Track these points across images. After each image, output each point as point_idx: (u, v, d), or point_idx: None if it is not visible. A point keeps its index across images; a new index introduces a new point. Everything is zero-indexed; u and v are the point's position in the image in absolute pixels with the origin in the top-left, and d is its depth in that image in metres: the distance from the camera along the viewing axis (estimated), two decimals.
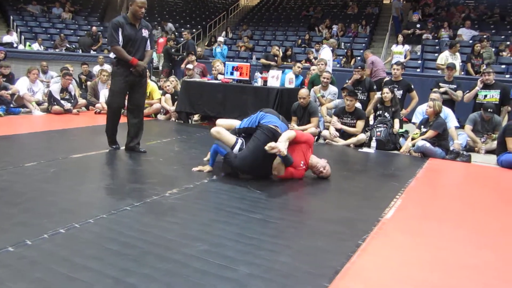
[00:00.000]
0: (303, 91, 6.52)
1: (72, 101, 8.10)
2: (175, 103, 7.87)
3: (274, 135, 3.93)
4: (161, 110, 8.10)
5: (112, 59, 4.84)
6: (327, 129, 6.56)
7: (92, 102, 8.56)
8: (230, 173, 4.06)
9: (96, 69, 10.45)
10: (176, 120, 7.81)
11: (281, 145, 3.75)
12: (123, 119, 4.97)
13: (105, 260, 2.28)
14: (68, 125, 6.67)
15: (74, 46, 14.13)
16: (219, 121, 4.53)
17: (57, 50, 13.63)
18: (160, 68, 12.50)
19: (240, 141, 4.05)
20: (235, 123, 4.37)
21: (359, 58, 11.73)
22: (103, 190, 3.55)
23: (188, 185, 3.74)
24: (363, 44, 13.67)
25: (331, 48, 9.38)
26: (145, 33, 4.76)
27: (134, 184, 3.80)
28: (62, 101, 7.90)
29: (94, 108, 8.37)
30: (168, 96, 8.08)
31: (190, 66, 8.95)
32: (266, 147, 3.71)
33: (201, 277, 2.16)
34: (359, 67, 7.18)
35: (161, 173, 4.13)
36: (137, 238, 2.60)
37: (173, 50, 12.27)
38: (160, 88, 8.57)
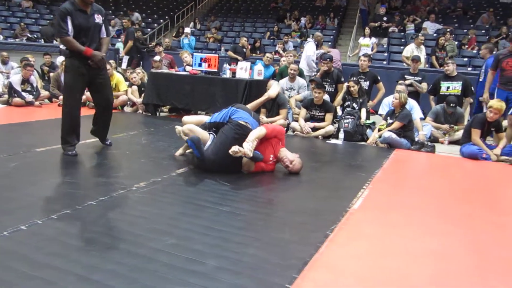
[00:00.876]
0: (272, 83, 6.51)
1: (34, 93, 7.83)
2: (142, 95, 7.72)
3: (243, 131, 3.89)
4: (128, 102, 7.94)
5: (65, 51, 4.34)
6: (296, 121, 6.58)
7: (55, 94, 8.29)
8: (199, 166, 4.01)
9: (59, 59, 10.07)
10: (144, 113, 7.67)
11: (246, 146, 3.69)
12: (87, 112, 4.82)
13: (69, 257, 2.21)
14: (30, 118, 6.44)
15: (35, 36, 13.63)
16: (185, 118, 4.44)
17: (17, 40, 13.13)
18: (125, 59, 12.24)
19: (211, 136, 4.01)
20: (203, 118, 4.32)
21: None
22: (67, 185, 3.45)
23: (155, 178, 3.67)
24: (331, 36, 13.77)
25: (316, 42, 9.09)
26: (98, 19, 4.24)
27: (100, 178, 3.70)
28: (23, 93, 7.63)
29: (57, 100, 8.09)
30: (134, 87, 7.92)
31: (157, 57, 8.78)
32: (230, 152, 3.62)
33: (168, 271, 2.13)
34: (328, 59, 7.23)
35: (128, 167, 4.05)
36: (102, 233, 2.54)
37: (140, 41, 12.01)
38: (126, 79, 8.39)
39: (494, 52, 7.35)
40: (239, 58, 9.98)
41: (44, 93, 8.20)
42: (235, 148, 3.63)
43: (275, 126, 4.36)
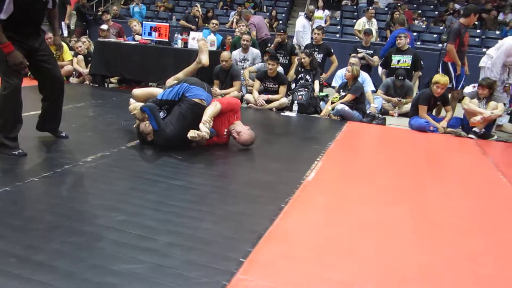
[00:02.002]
0: (225, 54, 6.37)
1: None
2: (89, 65, 7.35)
3: (201, 110, 3.72)
4: (74, 72, 7.53)
5: None
6: (250, 93, 6.50)
7: None
8: (144, 141, 3.83)
9: None
10: (91, 84, 7.31)
11: (203, 129, 3.57)
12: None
13: (8, 238, 2.06)
14: None
15: None
16: (135, 91, 4.21)
17: None
18: (72, 27, 11.58)
19: (162, 113, 3.78)
20: (155, 91, 4.09)
21: (281, 22, 11.71)
22: (6, 160, 3.20)
23: (104, 152, 3.51)
24: (285, 8, 13.64)
25: (305, 15, 8.63)
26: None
27: (43, 152, 3.49)
28: None
29: None
30: (80, 57, 7.50)
31: (104, 26, 8.35)
32: (189, 137, 3.51)
33: (118, 249, 2.04)
34: (281, 31, 7.14)
35: (74, 140, 3.82)
36: (45, 211, 2.39)
37: (86, 9, 11.39)
38: (71, 49, 7.94)
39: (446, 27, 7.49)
40: (192, 27, 9.70)
41: None
42: (193, 133, 3.51)
43: (230, 99, 4.21)
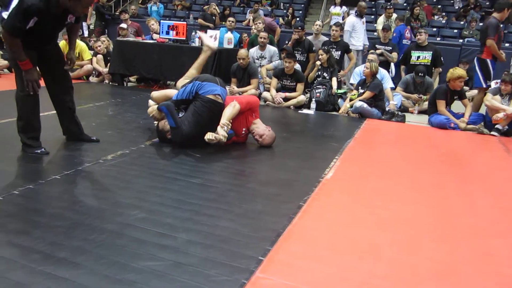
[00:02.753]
0: (243, 52, 6.38)
1: None
2: (108, 64, 7.44)
3: (216, 106, 3.71)
4: (93, 72, 7.64)
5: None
6: (268, 90, 6.49)
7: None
8: (164, 140, 3.86)
9: None
10: (110, 83, 7.41)
11: (221, 132, 3.56)
12: None
13: (32, 234, 2.10)
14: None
15: None
16: (153, 94, 4.18)
17: None
18: (92, 27, 11.75)
19: (180, 114, 3.78)
20: (171, 93, 4.10)
21: (298, 19, 11.66)
22: (29, 158, 3.27)
23: (123, 150, 3.55)
24: (302, 5, 13.58)
25: (356, 13, 8.04)
26: (70, 18, 3.29)
27: (64, 151, 3.54)
28: None
29: None
30: (100, 57, 7.61)
31: (123, 25, 8.44)
32: (206, 139, 3.49)
33: (138, 246, 2.06)
34: (299, 28, 7.10)
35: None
36: (67, 208, 2.43)
37: (105, 9, 11.53)
38: (90, 48, 8.05)
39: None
40: (210, 25, 9.72)
41: (2, 62, 7.77)
42: (210, 136, 3.49)
43: (248, 98, 4.17)
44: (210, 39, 4.33)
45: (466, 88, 7.70)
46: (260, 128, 3.99)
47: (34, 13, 2.96)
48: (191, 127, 3.62)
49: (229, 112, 3.68)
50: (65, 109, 3.65)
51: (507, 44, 9.52)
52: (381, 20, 9.23)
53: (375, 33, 9.38)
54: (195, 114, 3.67)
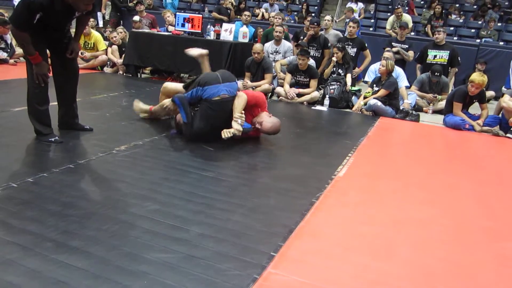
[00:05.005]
0: (258, 46, 6.35)
1: (9, 50, 7.48)
2: (123, 55, 7.46)
3: (225, 104, 3.64)
4: (108, 62, 7.66)
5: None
6: (281, 86, 6.46)
7: None
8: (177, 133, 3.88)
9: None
10: (124, 74, 7.43)
11: (236, 126, 3.53)
12: None
13: (45, 223, 2.11)
14: (4, 77, 6.17)
15: None
16: (166, 84, 4.21)
17: None
18: (107, 17, 11.78)
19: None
20: (181, 88, 4.02)
21: (313, 14, 11.56)
22: (43, 147, 3.29)
23: (137, 142, 3.56)
24: (317, 0, 13.47)
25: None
26: (79, 12, 3.30)
27: (78, 140, 3.56)
28: None
29: None
30: (115, 47, 7.63)
31: (136, 18, 8.44)
32: (223, 137, 3.48)
33: (150, 238, 2.06)
34: (315, 23, 7.05)
35: (108, 129, 3.90)
36: (81, 198, 2.44)
37: (119, 0, 11.54)
38: (106, 39, 8.08)
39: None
40: (224, 18, 9.69)
41: (19, 50, 7.83)
42: (226, 133, 3.48)
43: (254, 93, 4.12)
44: (194, 49, 4.31)
45: (491, 92, 7.62)
46: (261, 116, 3.90)
47: (38, 8, 2.99)
48: (202, 124, 3.61)
49: (238, 104, 3.65)
50: (67, 99, 3.65)
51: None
52: (390, 20, 9.14)
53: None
54: (205, 114, 3.63)
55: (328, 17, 7.83)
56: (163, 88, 4.20)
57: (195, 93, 3.67)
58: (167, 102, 3.88)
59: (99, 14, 10.37)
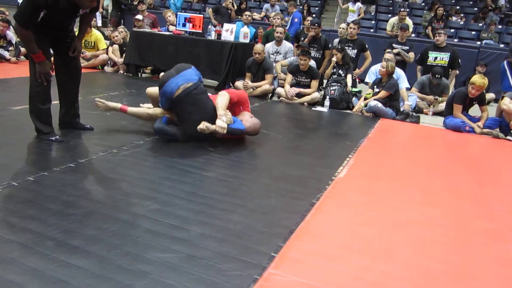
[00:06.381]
0: (259, 47, 6.35)
1: (10, 48, 7.49)
2: (124, 55, 7.46)
3: (194, 97, 3.45)
4: (108, 61, 7.67)
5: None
6: (282, 86, 6.47)
7: None
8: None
9: None
10: (125, 73, 7.43)
11: (219, 124, 3.39)
12: None
13: (46, 221, 2.12)
14: (5, 75, 6.17)
15: None
16: (147, 90, 4.05)
17: None
18: (105, 14, 11.78)
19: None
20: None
21: (314, 15, 11.56)
22: (44, 145, 3.29)
23: (137, 141, 3.56)
24: (319, 1, 13.48)
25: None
26: (83, 11, 3.30)
27: (79, 139, 3.56)
28: None
29: None
30: (115, 47, 7.63)
31: (139, 16, 8.45)
32: (197, 128, 3.34)
33: (151, 238, 2.06)
34: (316, 24, 7.05)
35: (108, 128, 3.90)
36: (81, 197, 2.44)
37: None
38: (106, 38, 8.08)
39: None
40: (214, 22, 9.55)
41: (23, 49, 7.84)
42: (202, 126, 3.35)
43: (236, 91, 3.96)
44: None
45: (491, 95, 7.62)
46: (244, 115, 3.80)
47: (42, 6, 2.99)
48: (186, 125, 3.53)
49: (220, 102, 3.53)
50: (69, 98, 3.64)
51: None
52: (391, 22, 9.14)
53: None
54: (183, 114, 3.53)
55: (343, 25, 7.72)
56: (148, 94, 4.04)
57: (163, 99, 3.55)
58: (103, 107, 3.86)
59: (97, 13, 10.36)
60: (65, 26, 3.40)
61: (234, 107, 3.83)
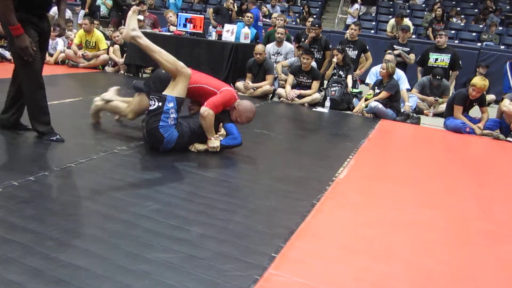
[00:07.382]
0: (259, 47, 6.36)
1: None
2: (124, 55, 7.46)
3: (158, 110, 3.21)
4: (109, 62, 7.67)
5: None
6: (283, 87, 6.47)
7: None
8: None
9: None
10: (125, 73, 7.44)
11: (211, 144, 3.39)
12: None
13: (46, 221, 2.11)
14: (5, 75, 6.16)
15: None
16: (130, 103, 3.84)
17: None
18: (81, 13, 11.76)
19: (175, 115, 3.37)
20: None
21: (315, 16, 11.58)
22: (44, 145, 3.29)
23: (138, 141, 3.56)
24: (319, 2, 13.50)
25: None
26: None
27: (79, 139, 3.56)
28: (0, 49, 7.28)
29: None
30: (116, 47, 7.64)
31: (140, 17, 8.44)
32: (192, 149, 3.38)
33: (152, 238, 2.06)
34: (316, 25, 7.05)
35: (109, 129, 3.91)
36: (82, 197, 2.44)
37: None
38: (107, 38, 8.08)
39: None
40: (214, 23, 9.53)
41: None
42: (192, 148, 3.41)
43: (223, 97, 3.50)
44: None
45: (492, 96, 7.61)
46: (238, 111, 3.57)
47: None
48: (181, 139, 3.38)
49: (205, 125, 3.37)
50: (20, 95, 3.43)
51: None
52: (391, 22, 9.15)
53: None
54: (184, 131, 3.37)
55: (353, 26, 7.68)
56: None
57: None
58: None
59: (81, 11, 10.40)
60: (43, 5, 3.25)
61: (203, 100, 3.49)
